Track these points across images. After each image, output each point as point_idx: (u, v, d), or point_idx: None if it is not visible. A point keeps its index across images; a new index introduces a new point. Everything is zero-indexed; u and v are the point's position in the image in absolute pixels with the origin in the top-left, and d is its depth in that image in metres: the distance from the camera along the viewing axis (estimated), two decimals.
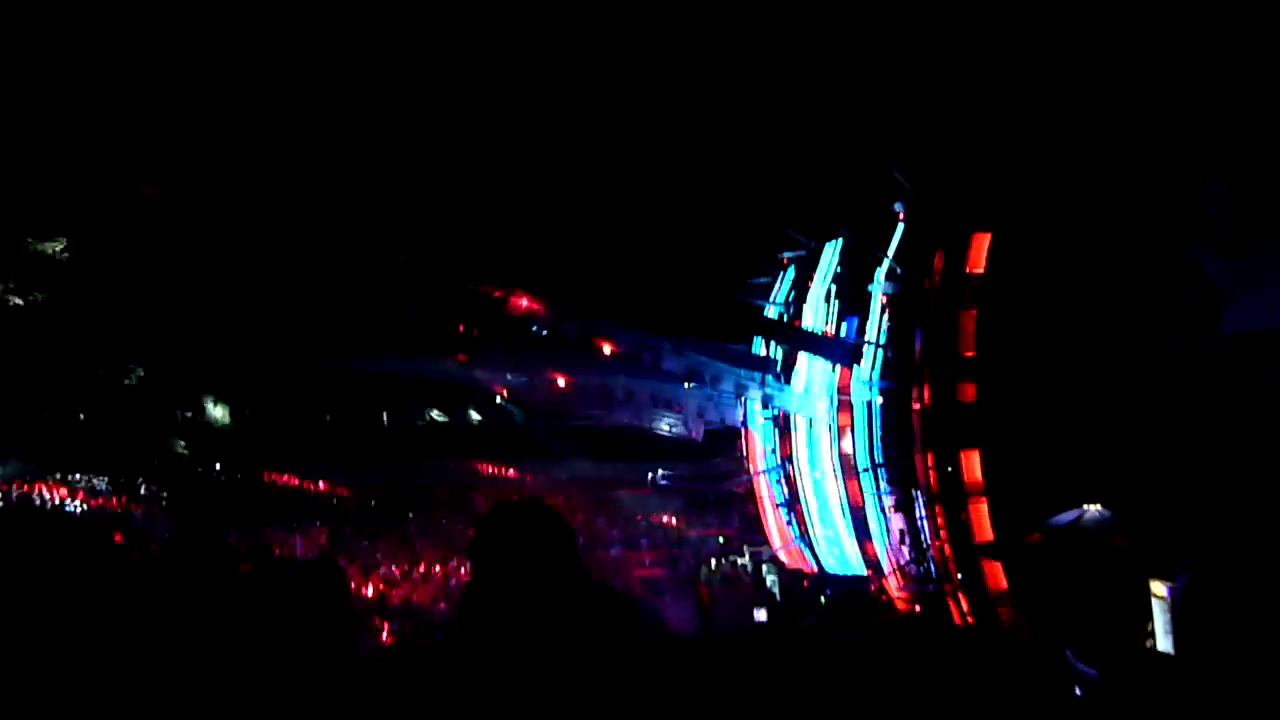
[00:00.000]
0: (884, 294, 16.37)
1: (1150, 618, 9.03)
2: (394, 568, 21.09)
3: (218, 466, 26.20)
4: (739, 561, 22.77)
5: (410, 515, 25.31)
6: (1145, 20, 12.81)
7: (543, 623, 2.02)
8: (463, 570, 21.88)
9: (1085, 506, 10.62)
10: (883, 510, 16.11)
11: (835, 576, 17.78)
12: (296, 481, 26.62)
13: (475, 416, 30.14)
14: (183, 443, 25.58)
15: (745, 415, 20.81)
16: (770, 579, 19.30)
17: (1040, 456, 12.00)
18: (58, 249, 24.79)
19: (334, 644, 2.28)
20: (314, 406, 26.04)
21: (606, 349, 18.36)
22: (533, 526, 2.11)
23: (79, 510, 21.97)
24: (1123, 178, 12.64)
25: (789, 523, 20.03)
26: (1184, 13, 12.48)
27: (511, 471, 29.33)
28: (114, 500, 22.75)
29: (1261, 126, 11.81)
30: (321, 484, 27.09)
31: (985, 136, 14.33)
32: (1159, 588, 9.28)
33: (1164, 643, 8.76)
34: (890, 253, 16.28)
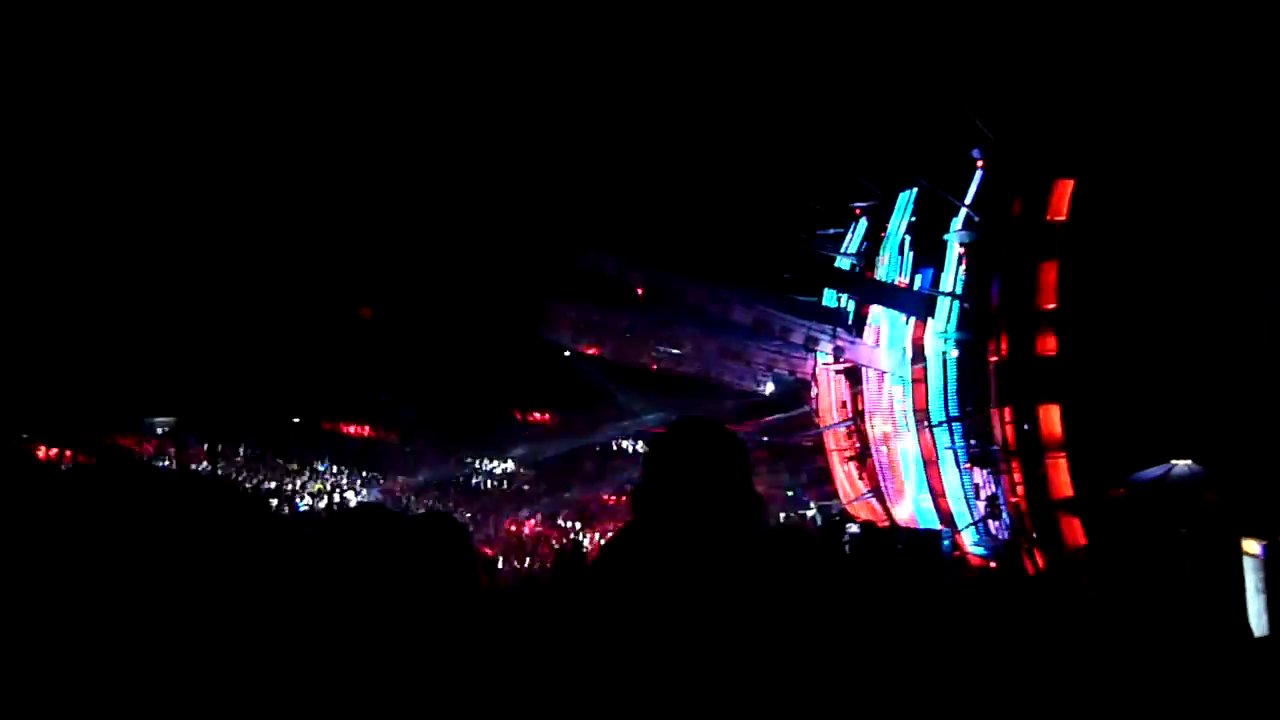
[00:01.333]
0: (960, 243, 15.95)
1: (1241, 575, 8.75)
2: (464, 515, 21.54)
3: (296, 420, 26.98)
4: (807, 515, 22.71)
5: (477, 464, 25.79)
6: None
7: (716, 541, 2.03)
8: (532, 521, 22.31)
9: (1173, 462, 10.34)
10: (957, 465, 15.87)
11: (907, 531, 17.63)
12: (358, 429, 27.26)
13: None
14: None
15: (815, 368, 20.60)
16: (853, 528, 19.01)
17: (1126, 411, 11.64)
18: None
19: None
20: (379, 353, 26.54)
21: (675, 300, 18.27)
22: (711, 444, 2.12)
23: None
24: (1217, 121, 12.03)
25: (859, 477, 19.88)
26: None
27: (577, 421, 29.62)
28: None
29: None
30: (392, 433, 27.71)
31: (1070, 78, 13.73)
32: (1252, 545, 9.00)
33: (1255, 601, 8.53)
34: (968, 201, 15.82)
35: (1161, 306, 11.93)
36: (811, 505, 22.60)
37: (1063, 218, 13.61)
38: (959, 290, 15.82)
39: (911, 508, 17.83)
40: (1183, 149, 12.18)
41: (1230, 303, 11.55)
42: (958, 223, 16.00)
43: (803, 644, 1.98)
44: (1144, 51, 12.72)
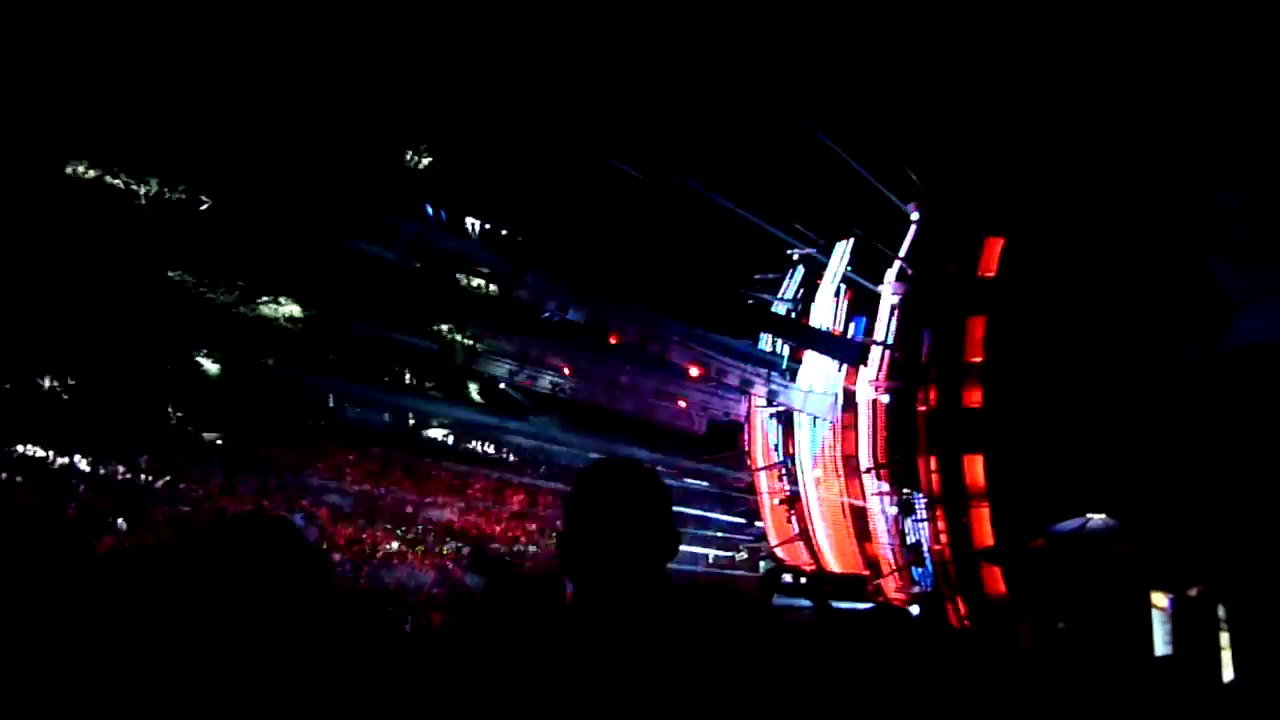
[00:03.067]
0: (893, 295, 16.37)
1: (1150, 628, 9.06)
2: (393, 547, 21.13)
3: (216, 439, 26.24)
4: (736, 557, 22.82)
5: (408, 497, 25.32)
6: (1161, 27, 12.77)
7: (642, 585, 2.04)
8: (463, 551, 21.95)
9: (1090, 514, 10.68)
10: (883, 511, 16.14)
11: (833, 574, 17.82)
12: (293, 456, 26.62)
13: (477, 399, 30.24)
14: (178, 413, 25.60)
15: (749, 411, 20.81)
16: (787, 576, 19.00)
17: (1046, 463, 12.01)
18: None
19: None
20: (311, 383, 26.02)
21: (613, 339, 18.37)
22: (632, 485, 2.14)
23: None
24: (1136, 185, 12.62)
25: (788, 519, 20.06)
26: (1201, 19, 12.43)
27: (511, 458, 29.41)
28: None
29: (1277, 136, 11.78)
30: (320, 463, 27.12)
31: (999, 141, 14.30)
32: (1160, 599, 9.33)
33: (1163, 652, 8.80)
34: (902, 253, 16.27)
35: (1081, 364, 12.38)
36: (740, 548, 22.72)
37: (992, 274, 14.09)
38: (891, 340, 16.21)
39: (838, 552, 18.04)
40: (1108, 212, 12.73)
41: (1146, 361, 12.03)
42: (891, 274, 16.43)
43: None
44: (1070, 116, 13.31)
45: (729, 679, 1.95)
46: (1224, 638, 9.07)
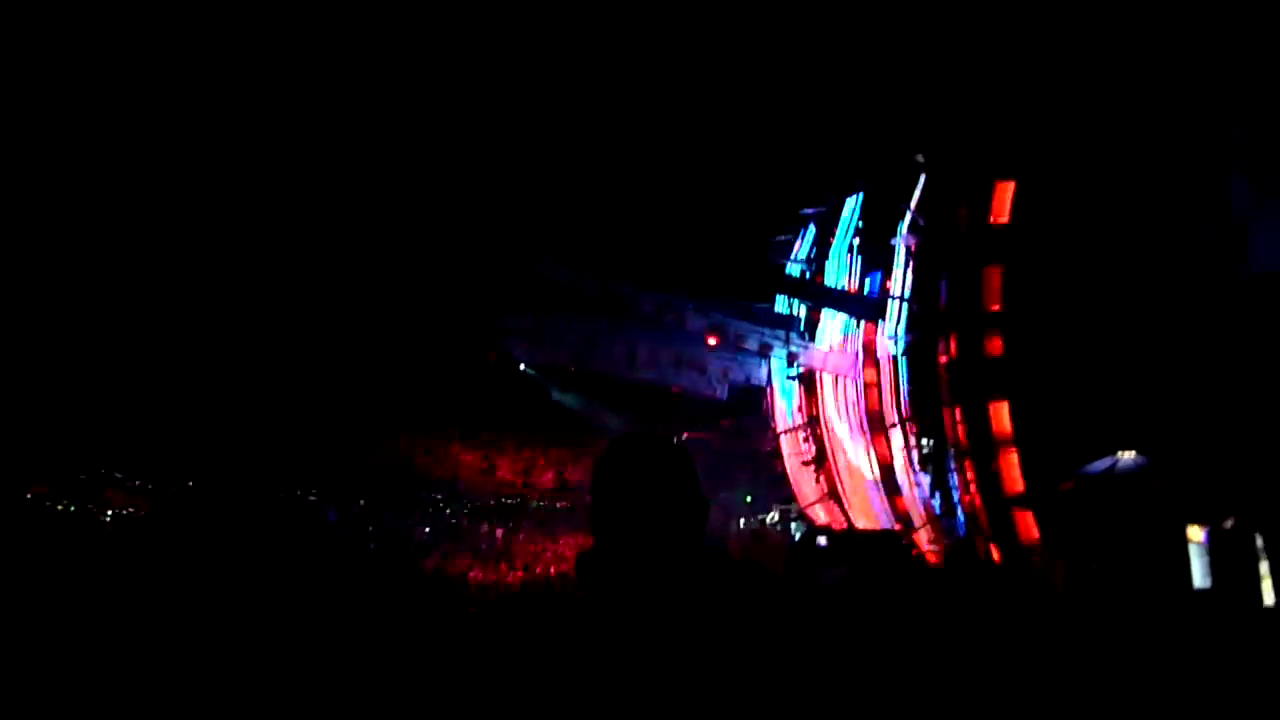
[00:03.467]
0: (907, 247, 16.23)
1: (1187, 561, 9.02)
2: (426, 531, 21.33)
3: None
4: (767, 519, 22.85)
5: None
6: None
7: (672, 562, 2.03)
8: (498, 533, 22.13)
9: (1119, 453, 10.64)
10: (911, 464, 16.10)
11: (864, 532, 17.83)
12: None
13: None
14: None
15: (770, 374, 20.76)
16: (821, 540, 18.84)
17: (1072, 405, 11.92)
18: None
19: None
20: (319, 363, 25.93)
21: (630, 310, 18.31)
22: (659, 460, 2.13)
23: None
24: (1148, 116, 12.40)
25: (816, 480, 20.05)
26: None
27: (533, 436, 29.44)
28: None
29: None
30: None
31: (1003, 79, 14.05)
32: (1195, 532, 9.27)
33: (1201, 585, 8.77)
34: (912, 204, 16.11)
35: (1101, 302, 12.24)
36: (772, 510, 22.75)
37: (1005, 219, 13.91)
38: (907, 293, 16.09)
39: (868, 509, 18.04)
40: (1115, 146, 12.52)
41: (1165, 295, 11.88)
42: (904, 226, 16.28)
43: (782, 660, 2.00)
44: (1075, 49, 13.06)
45: (752, 658, 1.95)
46: (1263, 567, 9.02)
